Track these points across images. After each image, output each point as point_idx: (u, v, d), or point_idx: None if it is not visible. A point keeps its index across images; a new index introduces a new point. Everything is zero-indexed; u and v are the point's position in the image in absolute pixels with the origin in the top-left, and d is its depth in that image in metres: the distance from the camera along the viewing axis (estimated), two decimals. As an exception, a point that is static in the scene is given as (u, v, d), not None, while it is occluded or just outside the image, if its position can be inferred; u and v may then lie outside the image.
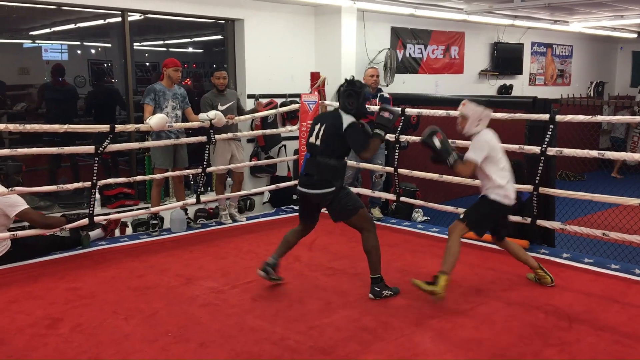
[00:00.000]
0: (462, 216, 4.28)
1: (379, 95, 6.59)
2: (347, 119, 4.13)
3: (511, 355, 3.37)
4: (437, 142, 4.09)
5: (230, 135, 6.27)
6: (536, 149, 5.16)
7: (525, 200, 5.33)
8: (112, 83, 8.69)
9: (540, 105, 5.64)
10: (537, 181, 5.14)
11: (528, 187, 5.19)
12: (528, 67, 12.15)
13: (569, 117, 5.07)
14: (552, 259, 5.11)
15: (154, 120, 5.52)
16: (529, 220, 5.22)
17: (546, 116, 5.16)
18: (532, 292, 4.33)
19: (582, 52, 13.50)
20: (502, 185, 4.15)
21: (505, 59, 11.27)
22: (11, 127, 4.81)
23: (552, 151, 5.10)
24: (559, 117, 5.10)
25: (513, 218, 5.24)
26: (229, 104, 6.38)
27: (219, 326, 3.72)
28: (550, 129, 5.12)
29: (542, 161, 5.13)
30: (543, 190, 5.17)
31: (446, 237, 5.72)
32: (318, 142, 4.17)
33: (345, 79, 4.23)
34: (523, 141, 5.57)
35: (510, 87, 11.53)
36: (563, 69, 13.21)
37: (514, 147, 5.30)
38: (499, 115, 5.46)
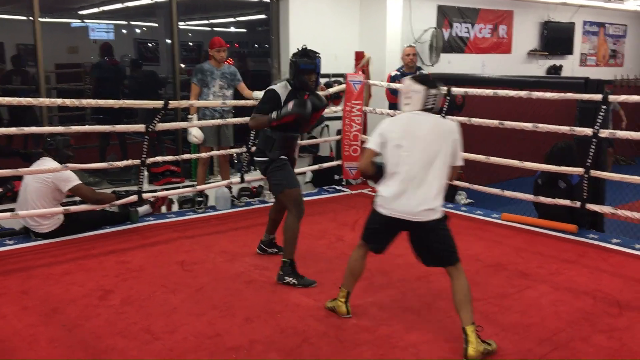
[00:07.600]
0: None
1: (417, 73, 6.51)
2: (272, 86, 4.14)
3: (559, 340, 3.31)
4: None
5: None
6: (588, 131, 5.01)
7: (575, 184, 5.20)
8: (155, 63, 8.82)
9: (592, 87, 5.46)
10: (588, 164, 5.00)
11: (579, 170, 5.06)
12: (579, 47, 11.76)
13: (622, 98, 4.92)
14: (602, 244, 4.99)
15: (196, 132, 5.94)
16: (578, 204, 5.09)
17: (599, 96, 5.00)
18: (580, 278, 4.24)
19: (637, 31, 12.97)
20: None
21: (555, 39, 10.92)
22: (68, 102, 4.91)
23: (604, 133, 4.94)
24: (612, 97, 4.94)
25: (562, 202, 5.14)
26: None
27: (263, 302, 3.78)
28: (603, 110, 4.96)
29: (593, 143, 4.98)
30: (594, 173, 5.03)
31: (491, 220, 5.71)
32: None
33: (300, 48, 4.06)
34: (574, 123, 5.42)
35: (560, 67, 11.19)
36: (616, 49, 12.72)
37: (565, 128, 5.17)
38: (549, 95, 5.33)
